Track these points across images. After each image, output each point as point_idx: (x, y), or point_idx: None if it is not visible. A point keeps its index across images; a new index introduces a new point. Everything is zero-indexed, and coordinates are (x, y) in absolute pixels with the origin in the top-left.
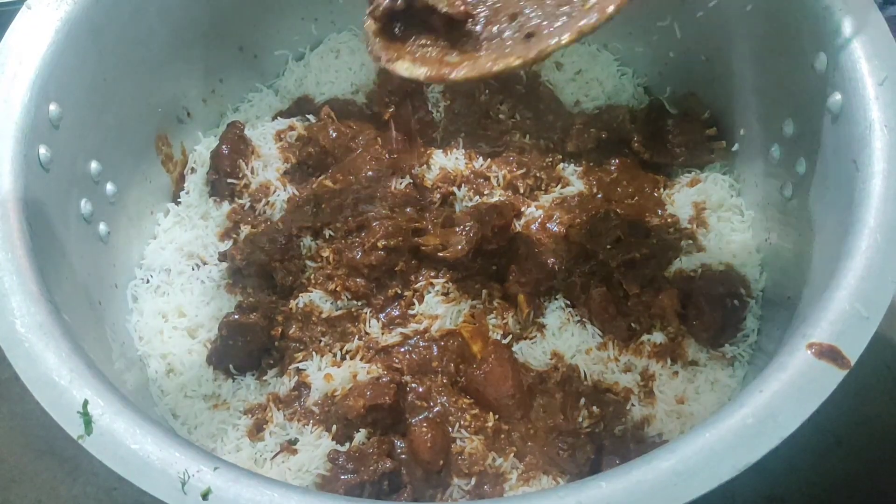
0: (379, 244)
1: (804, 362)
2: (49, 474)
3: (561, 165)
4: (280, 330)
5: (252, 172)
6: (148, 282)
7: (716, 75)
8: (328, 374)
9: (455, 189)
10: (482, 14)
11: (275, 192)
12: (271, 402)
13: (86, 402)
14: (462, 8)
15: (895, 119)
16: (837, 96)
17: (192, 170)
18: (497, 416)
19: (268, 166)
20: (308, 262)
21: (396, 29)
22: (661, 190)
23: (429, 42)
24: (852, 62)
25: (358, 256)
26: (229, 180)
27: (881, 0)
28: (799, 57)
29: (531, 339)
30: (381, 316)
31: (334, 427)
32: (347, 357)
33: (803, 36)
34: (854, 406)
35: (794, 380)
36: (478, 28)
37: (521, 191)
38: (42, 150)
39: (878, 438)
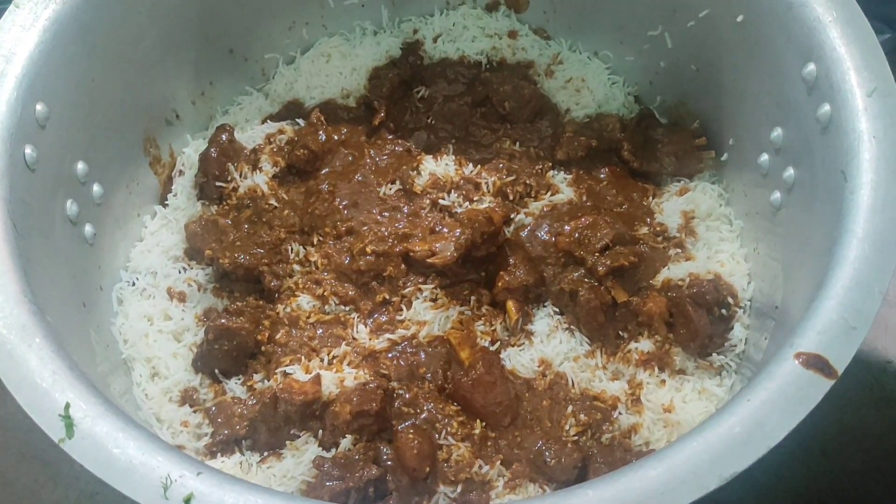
0: (367, 249)
1: (792, 372)
2: (30, 478)
3: (551, 173)
4: (267, 334)
5: (241, 176)
6: (133, 284)
7: (706, 85)
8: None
9: (445, 195)
10: None
11: (263, 195)
12: None
13: (67, 406)
14: None
15: (884, 130)
16: (826, 107)
17: (181, 172)
18: (484, 424)
19: (256, 170)
20: (296, 267)
21: None
22: (651, 199)
23: None
24: (841, 73)
25: (346, 261)
26: (217, 183)
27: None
28: (788, 67)
29: (519, 346)
30: (369, 321)
31: (320, 433)
32: (335, 362)
33: (793, 46)
34: (840, 416)
35: (782, 389)
36: None
37: (511, 198)
38: (28, 150)
39: (864, 449)
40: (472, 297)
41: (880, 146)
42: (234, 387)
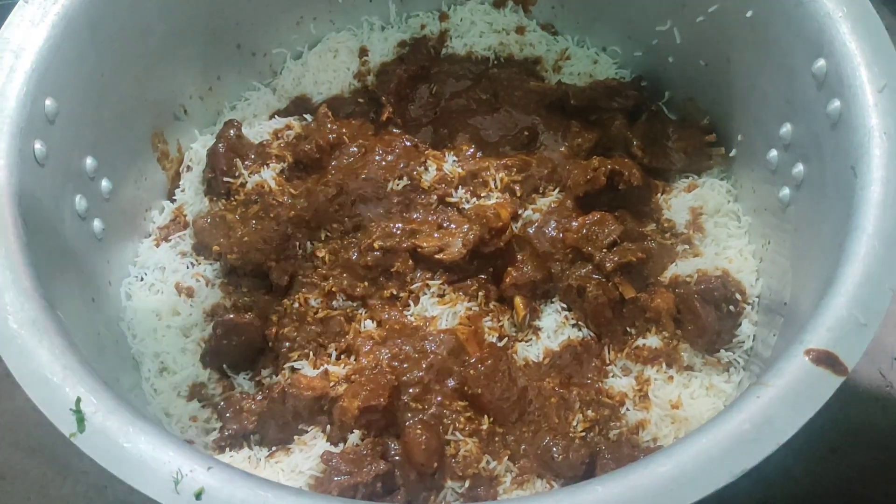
0: (375, 245)
1: (801, 368)
2: (39, 472)
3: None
4: (275, 330)
5: (248, 171)
6: (142, 279)
7: (715, 80)
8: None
9: (452, 191)
10: None
11: (271, 191)
12: None
13: (78, 400)
14: None
15: (894, 126)
16: (836, 103)
17: (188, 167)
18: (492, 419)
19: (264, 165)
20: (303, 262)
21: None
22: (659, 195)
23: None
24: (851, 69)
25: (354, 257)
26: (225, 179)
27: None
28: (798, 63)
29: (527, 341)
30: (377, 317)
31: (328, 428)
32: (342, 357)
33: (803, 42)
34: (848, 413)
35: (791, 386)
36: None
37: (519, 194)
38: (37, 145)
39: (872, 446)
40: (480, 293)
41: (891, 142)
42: (243, 382)
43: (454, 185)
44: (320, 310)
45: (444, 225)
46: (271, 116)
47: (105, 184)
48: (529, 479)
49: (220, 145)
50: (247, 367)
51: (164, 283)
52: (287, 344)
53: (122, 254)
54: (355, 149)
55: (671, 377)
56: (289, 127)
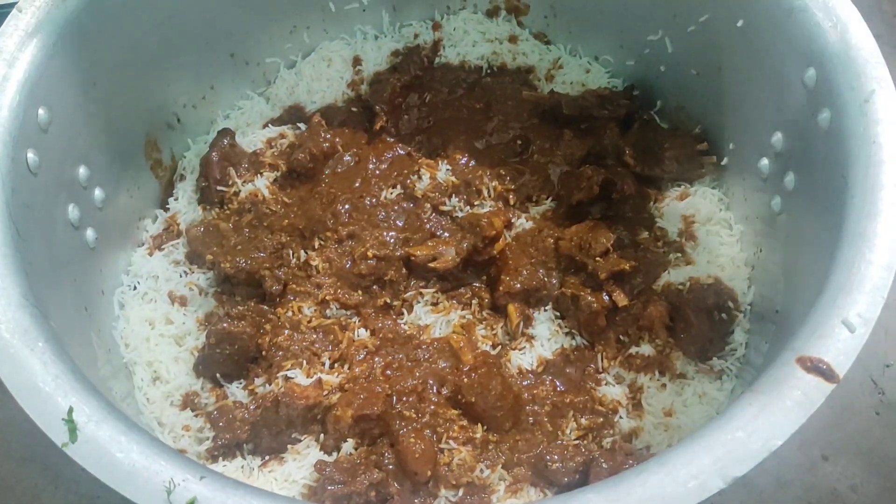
0: (369, 253)
1: (793, 376)
2: (31, 482)
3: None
4: (268, 338)
5: (242, 180)
6: (135, 288)
7: (706, 89)
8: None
9: (446, 199)
10: None
11: (264, 200)
12: None
13: (71, 410)
14: None
15: (884, 134)
16: (826, 111)
17: (182, 176)
18: (485, 427)
19: (257, 174)
20: (297, 271)
21: None
22: (651, 203)
23: None
24: (841, 78)
25: (348, 266)
26: (219, 187)
27: None
28: (788, 72)
29: (520, 349)
30: (370, 325)
31: (322, 437)
32: (336, 366)
33: (793, 52)
34: (840, 420)
35: (783, 393)
36: None
37: (512, 202)
38: (30, 155)
39: (863, 452)
40: (474, 301)
41: (880, 150)
42: (236, 391)
43: (448, 194)
44: (314, 318)
45: (438, 233)
46: (265, 125)
47: (98, 193)
48: (523, 487)
49: (213, 154)
50: (240, 376)
51: (157, 291)
52: (280, 353)
53: (115, 263)
54: (349, 158)
55: (664, 385)
56: (282, 136)
